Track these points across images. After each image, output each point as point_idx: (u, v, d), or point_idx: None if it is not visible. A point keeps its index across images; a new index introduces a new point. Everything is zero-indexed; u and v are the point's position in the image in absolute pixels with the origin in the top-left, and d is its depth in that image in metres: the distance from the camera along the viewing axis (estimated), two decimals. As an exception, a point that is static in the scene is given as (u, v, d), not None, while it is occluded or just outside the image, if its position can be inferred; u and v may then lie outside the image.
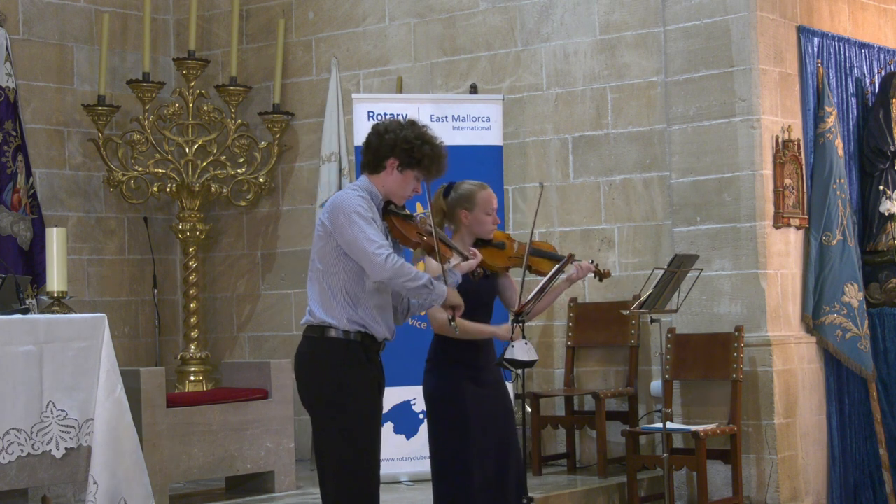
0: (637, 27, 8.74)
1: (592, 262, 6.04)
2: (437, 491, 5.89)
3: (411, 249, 5.57)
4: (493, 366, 5.99)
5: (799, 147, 8.52)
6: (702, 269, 7.50)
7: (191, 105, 9.77)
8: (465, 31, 9.36)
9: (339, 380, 5.26)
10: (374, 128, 5.45)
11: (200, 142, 9.77)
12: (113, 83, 9.82)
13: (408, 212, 5.43)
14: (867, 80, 9.20)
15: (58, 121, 9.74)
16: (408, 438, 8.23)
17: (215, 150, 9.80)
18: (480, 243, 5.96)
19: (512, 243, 6.03)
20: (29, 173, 9.20)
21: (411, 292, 5.27)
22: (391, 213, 5.37)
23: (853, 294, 8.58)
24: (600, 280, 6.11)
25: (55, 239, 7.06)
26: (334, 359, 5.27)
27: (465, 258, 5.47)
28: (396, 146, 5.33)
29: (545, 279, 5.85)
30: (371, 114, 8.41)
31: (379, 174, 5.37)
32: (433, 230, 5.38)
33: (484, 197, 5.92)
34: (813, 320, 8.55)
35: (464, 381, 5.83)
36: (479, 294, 5.86)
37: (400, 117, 5.53)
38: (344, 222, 5.21)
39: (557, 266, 5.88)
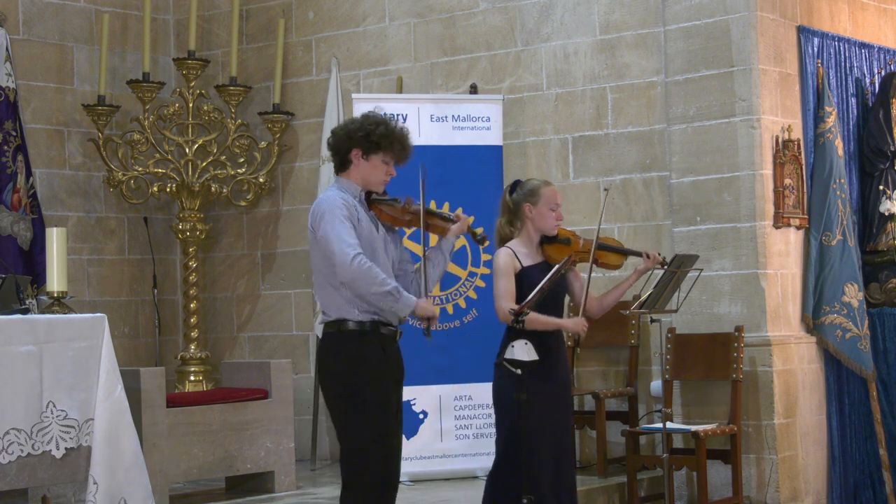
0: (637, 27, 8.74)
1: (660, 254, 6.30)
2: (491, 486, 5.98)
3: (405, 229, 5.72)
4: (562, 365, 6.07)
5: (799, 147, 8.51)
6: (702, 269, 7.48)
7: (191, 105, 9.76)
8: (465, 31, 9.36)
9: (354, 370, 5.37)
10: (332, 132, 5.64)
11: (200, 142, 9.76)
12: (113, 83, 9.82)
13: (390, 196, 5.57)
14: (867, 80, 9.20)
15: (58, 121, 9.74)
16: (408, 438, 8.22)
17: (215, 150, 9.80)
18: (546, 240, 6.05)
19: (577, 239, 6.15)
20: (29, 173, 9.20)
21: (374, 297, 5.34)
22: (375, 202, 5.52)
23: (853, 294, 8.58)
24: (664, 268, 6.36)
25: (55, 239, 7.06)
26: (351, 350, 5.40)
27: (453, 221, 5.58)
28: (353, 137, 5.51)
29: (544, 280, 5.86)
30: (371, 114, 8.40)
31: (349, 169, 5.53)
32: (420, 206, 5.50)
33: (548, 192, 6.08)
34: (813, 320, 8.55)
35: (529, 379, 5.83)
36: (551, 289, 5.90)
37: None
38: (320, 222, 5.37)
39: (557, 267, 5.88)
